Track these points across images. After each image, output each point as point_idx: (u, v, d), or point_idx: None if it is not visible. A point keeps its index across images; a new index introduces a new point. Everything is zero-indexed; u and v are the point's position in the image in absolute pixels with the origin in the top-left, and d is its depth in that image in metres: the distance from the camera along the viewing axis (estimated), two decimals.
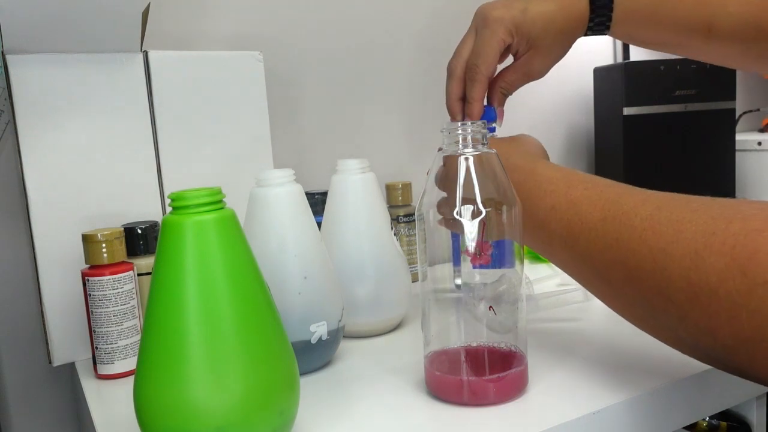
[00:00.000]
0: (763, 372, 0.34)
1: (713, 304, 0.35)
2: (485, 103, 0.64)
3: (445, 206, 0.47)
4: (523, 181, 0.50)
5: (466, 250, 0.45)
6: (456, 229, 0.46)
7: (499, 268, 0.48)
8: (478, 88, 0.61)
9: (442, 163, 0.48)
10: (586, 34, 0.63)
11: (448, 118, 0.66)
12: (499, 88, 0.64)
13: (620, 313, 0.45)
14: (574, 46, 0.64)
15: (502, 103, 0.65)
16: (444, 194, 0.48)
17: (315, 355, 0.56)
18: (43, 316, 0.64)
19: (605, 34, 0.63)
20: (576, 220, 0.45)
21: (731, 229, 0.34)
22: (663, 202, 0.40)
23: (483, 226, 0.45)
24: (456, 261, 0.47)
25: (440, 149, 0.49)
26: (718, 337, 0.35)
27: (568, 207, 0.46)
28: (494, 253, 0.47)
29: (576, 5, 0.61)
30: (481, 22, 0.62)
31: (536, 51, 0.62)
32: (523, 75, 0.64)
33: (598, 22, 0.61)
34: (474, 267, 0.47)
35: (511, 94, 0.65)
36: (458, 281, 0.48)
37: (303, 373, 0.48)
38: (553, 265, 0.52)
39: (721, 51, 0.62)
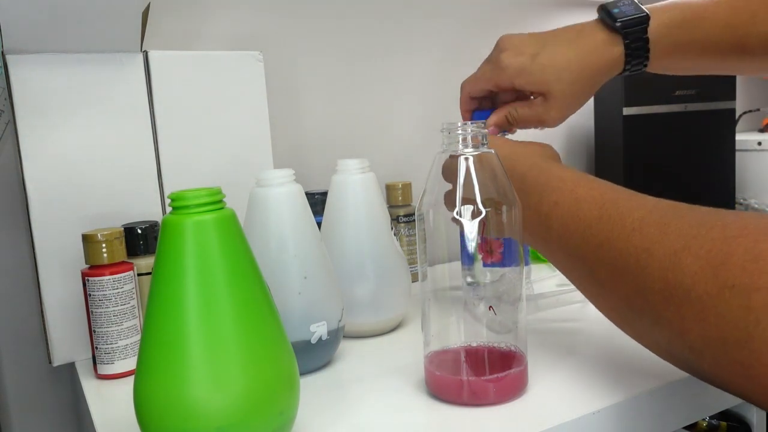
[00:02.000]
0: (725, 377, 0.35)
1: (685, 305, 0.35)
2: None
3: (451, 200, 0.47)
4: (535, 178, 0.50)
5: (479, 248, 0.46)
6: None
7: (510, 266, 0.48)
8: (461, 100, 0.66)
9: (442, 162, 0.48)
10: (621, 74, 0.62)
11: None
12: (506, 114, 0.63)
13: (606, 315, 0.45)
14: None
15: (503, 127, 0.63)
16: (449, 187, 0.47)
17: (315, 355, 0.56)
18: (43, 316, 0.64)
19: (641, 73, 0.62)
20: (575, 216, 0.45)
21: (711, 234, 0.35)
22: (655, 207, 0.41)
23: (483, 226, 0.45)
24: (465, 260, 0.47)
25: (442, 150, 0.49)
26: (687, 339, 0.36)
27: (571, 204, 0.46)
28: (504, 251, 0.48)
29: (606, 51, 0.60)
30: (492, 58, 0.62)
31: (547, 98, 0.60)
32: (535, 116, 0.62)
33: (635, 64, 0.60)
34: (486, 265, 0.47)
35: (515, 126, 0.63)
36: (469, 279, 0.48)
37: (303, 373, 0.48)
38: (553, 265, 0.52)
39: (756, 66, 0.62)
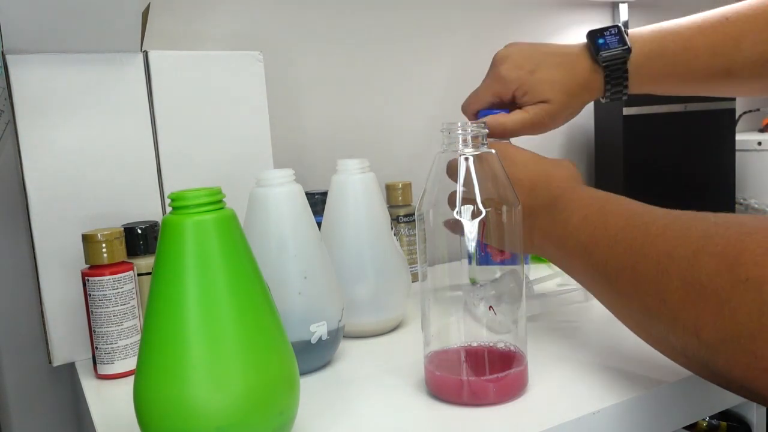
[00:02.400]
0: (739, 374, 0.35)
1: (701, 303, 0.36)
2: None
3: (453, 200, 0.47)
4: (567, 196, 0.52)
5: (490, 246, 0.46)
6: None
7: (512, 265, 0.48)
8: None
9: (442, 162, 0.48)
10: (603, 101, 0.64)
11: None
12: (499, 122, 0.62)
13: (624, 322, 0.46)
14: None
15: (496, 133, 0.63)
16: (449, 188, 0.47)
17: (315, 355, 0.56)
18: (43, 316, 0.64)
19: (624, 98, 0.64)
20: (601, 227, 0.47)
21: (727, 233, 0.36)
22: (681, 216, 0.42)
23: (483, 227, 0.45)
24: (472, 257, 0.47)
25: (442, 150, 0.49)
26: (702, 336, 0.36)
27: (599, 217, 0.47)
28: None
29: (590, 78, 0.62)
30: (490, 70, 0.64)
31: (547, 104, 0.61)
32: (530, 120, 0.61)
33: (615, 92, 0.63)
34: (497, 263, 0.47)
35: (508, 134, 0.62)
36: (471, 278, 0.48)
37: (303, 373, 0.48)
38: (553, 264, 0.52)
39: (744, 89, 0.64)
